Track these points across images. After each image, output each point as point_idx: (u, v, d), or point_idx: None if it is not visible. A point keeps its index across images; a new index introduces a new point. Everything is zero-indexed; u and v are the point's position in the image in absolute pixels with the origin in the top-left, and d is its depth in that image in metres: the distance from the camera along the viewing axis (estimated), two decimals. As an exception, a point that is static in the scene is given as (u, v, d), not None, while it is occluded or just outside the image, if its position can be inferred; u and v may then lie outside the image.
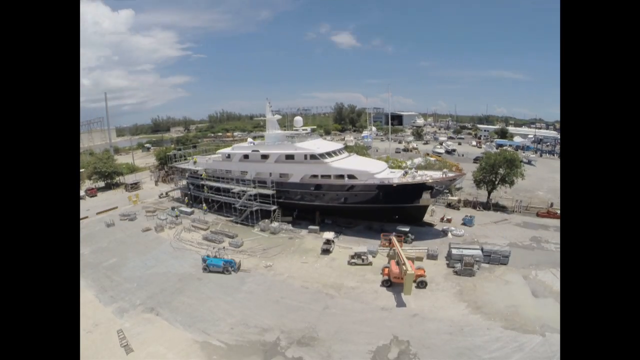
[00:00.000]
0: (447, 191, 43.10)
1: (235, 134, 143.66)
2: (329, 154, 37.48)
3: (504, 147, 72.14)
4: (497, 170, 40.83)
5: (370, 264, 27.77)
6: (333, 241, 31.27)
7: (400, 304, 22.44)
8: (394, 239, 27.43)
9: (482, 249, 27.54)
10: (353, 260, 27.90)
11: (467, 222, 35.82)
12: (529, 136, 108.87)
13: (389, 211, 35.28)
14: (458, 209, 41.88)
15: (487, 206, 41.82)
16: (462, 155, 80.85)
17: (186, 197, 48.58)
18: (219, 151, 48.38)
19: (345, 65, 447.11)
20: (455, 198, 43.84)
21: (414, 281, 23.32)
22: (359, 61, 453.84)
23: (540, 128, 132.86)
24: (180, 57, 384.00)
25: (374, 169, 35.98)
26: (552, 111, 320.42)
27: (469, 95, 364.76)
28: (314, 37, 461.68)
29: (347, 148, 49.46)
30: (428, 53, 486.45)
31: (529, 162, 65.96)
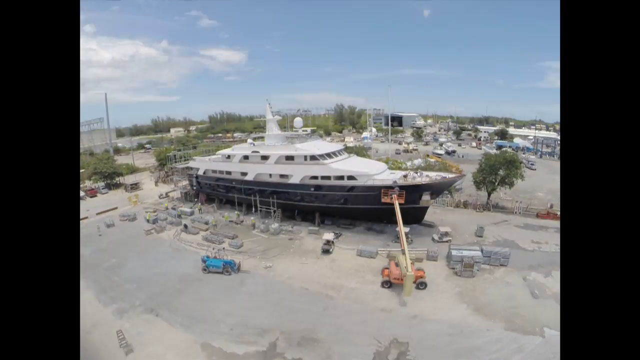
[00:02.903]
0: (447, 192, 43.11)
1: (236, 134, 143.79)
2: (329, 155, 37.50)
3: (504, 149, 72.19)
4: (497, 172, 40.85)
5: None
6: (333, 242, 31.30)
7: (400, 305, 22.42)
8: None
9: (481, 250, 27.53)
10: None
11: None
12: (529, 137, 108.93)
13: (389, 212, 35.25)
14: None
15: (487, 207, 41.83)
16: (462, 157, 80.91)
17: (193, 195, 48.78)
18: (219, 152, 48.42)
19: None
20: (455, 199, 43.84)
21: (414, 282, 23.30)
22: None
23: (540, 129, 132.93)
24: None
25: (373, 170, 35.99)
26: (547, 110, 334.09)
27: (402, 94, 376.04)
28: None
29: (347, 149, 49.51)
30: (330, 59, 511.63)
31: (529, 165, 65.69)
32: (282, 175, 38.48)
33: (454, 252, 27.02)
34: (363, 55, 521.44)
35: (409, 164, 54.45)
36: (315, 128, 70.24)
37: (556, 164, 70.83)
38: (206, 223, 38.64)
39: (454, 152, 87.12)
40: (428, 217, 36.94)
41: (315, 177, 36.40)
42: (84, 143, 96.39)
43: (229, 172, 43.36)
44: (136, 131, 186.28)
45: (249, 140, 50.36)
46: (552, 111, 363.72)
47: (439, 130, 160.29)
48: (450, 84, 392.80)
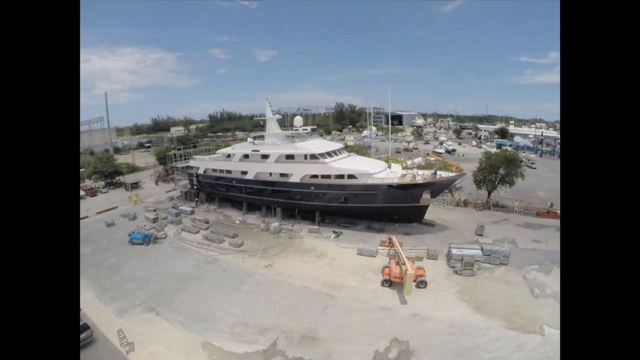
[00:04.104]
0: (447, 191, 43.11)
1: (236, 133, 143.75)
2: (329, 154, 37.50)
3: (504, 147, 72.27)
4: (497, 170, 40.84)
5: None
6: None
7: (401, 303, 22.44)
8: (394, 239, 27.40)
9: (482, 249, 27.54)
10: None
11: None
12: (529, 136, 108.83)
13: (389, 211, 35.28)
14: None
15: (487, 206, 41.83)
16: (462, 155, 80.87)
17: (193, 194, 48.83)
18: (219, 151, 48.44)
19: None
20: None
21: (414, 281, 23.32)
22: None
23: (540, 128, 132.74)
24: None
25: (373, 169, 35.98)
26: (539, 107, 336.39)
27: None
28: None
29: (347, 148, 49.52)
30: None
31: (530, 163, 66.05)
32: (282, 174, 38.49)
33: (454, 251, 27.01)
34: (326, 58, 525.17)
35: (409, 162, 54.46)
36: (315, 127, 70.22)
37: (556, 163, 70.83)
38: (207, 222, 38.69)
39: (454, 150, 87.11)
40: (428, 215, 36.99)
41: (316, 176, 36.41)
42: (84, 142, 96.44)
43: (229, 171, 43.38)
44: (136, 130, 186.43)
45: (249, 139, 50.37)
46: (544, 108, 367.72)
47: (439, 129, 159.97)
48: (419, 82, 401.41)
